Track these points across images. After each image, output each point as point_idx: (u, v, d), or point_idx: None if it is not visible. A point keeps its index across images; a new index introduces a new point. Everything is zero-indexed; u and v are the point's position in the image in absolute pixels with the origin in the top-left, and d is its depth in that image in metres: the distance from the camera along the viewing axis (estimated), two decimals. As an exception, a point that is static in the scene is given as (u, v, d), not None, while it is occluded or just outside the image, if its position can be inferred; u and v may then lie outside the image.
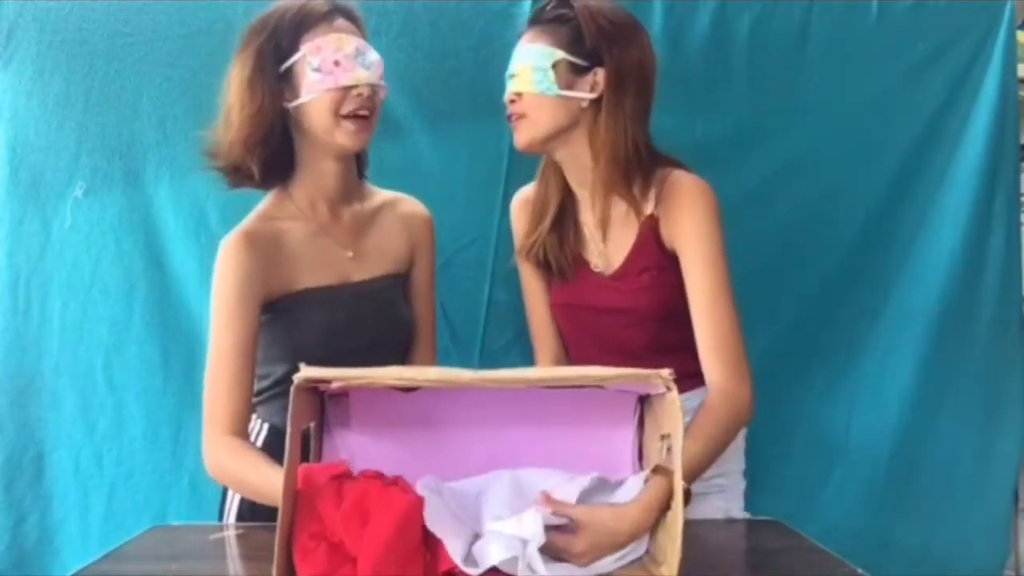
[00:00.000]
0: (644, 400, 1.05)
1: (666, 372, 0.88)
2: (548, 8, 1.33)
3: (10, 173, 1.61)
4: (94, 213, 1.62)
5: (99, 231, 1.62)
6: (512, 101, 1.32)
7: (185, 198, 1.62)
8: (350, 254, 1.33)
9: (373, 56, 1.27)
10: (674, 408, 0.88)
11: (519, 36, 1.35)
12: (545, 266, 1.40)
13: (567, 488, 0.97)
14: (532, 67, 1.28)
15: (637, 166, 1.30)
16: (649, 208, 1.31)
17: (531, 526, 0.88)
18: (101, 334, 1.63)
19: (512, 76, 1.32)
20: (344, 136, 1.25)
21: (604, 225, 1.34)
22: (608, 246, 1.35)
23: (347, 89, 1.23)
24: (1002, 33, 1.67)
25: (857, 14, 1.68)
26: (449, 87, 1.65)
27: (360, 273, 1.33)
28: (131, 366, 1.63)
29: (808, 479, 1.69)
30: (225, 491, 1.33)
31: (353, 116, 1.24)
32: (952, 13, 1.68)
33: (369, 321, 1.31)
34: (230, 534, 1.16)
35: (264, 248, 1.25)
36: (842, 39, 1.67)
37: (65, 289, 1.62)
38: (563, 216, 1.39)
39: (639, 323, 1.32)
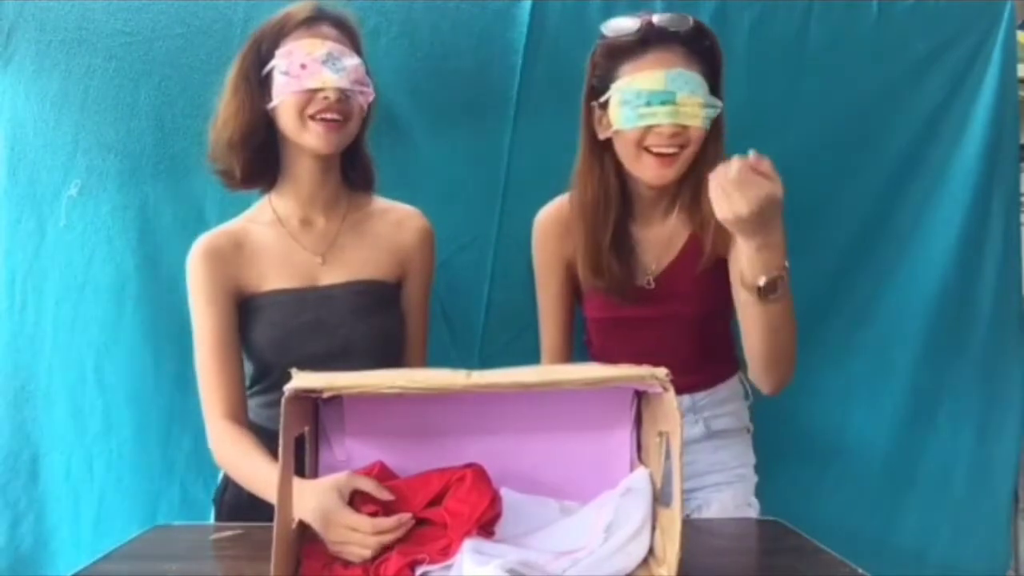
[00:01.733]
0: (641, 395, 1.04)
1: (662, 372, 0.88)
2: (694, 32, 1.24)
3: (8, 172, 1.61)
4: (88, 212, 1.61)
5: (93, 229, 1.61)
6: (675, 134, 1.22)
7: (182, 197, 1.62)
8: (319, 259, 1.32)
9: (349, 62, 1.25)
10: (671, 408, 0.88)
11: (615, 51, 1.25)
12: (608, 287, 1.33)
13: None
14: (703, 102, 1.21)
15: None
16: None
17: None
18: (92, 334, 1.62)
19: (674, 103, 1.20)
20: (312, 138, 1.25)
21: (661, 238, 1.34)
22: (656, 256, 1.35)
23: (313, 92, 1.23)
24: (1002, 33, 1.67)
25: (857, 14, 1.67)
26: (449, 87, 1.64)
27: (329, 278, 1.31)
28: (121, 368, 1.62)
29: (805, 479, 1.69)
30: (222, 484, 1.35)
31: (321, 119, 1.24)
32: (952, 13, 1.68)
33: (335, 326, 1.29)
34: (230, 534, 1.16)
35: (224, 250, 1.28)
36: (842, 39, 1.67)
37: (59, 288, 1.61)
38: (619, 232, 1.35)
39: (684, 330, 1.31)
